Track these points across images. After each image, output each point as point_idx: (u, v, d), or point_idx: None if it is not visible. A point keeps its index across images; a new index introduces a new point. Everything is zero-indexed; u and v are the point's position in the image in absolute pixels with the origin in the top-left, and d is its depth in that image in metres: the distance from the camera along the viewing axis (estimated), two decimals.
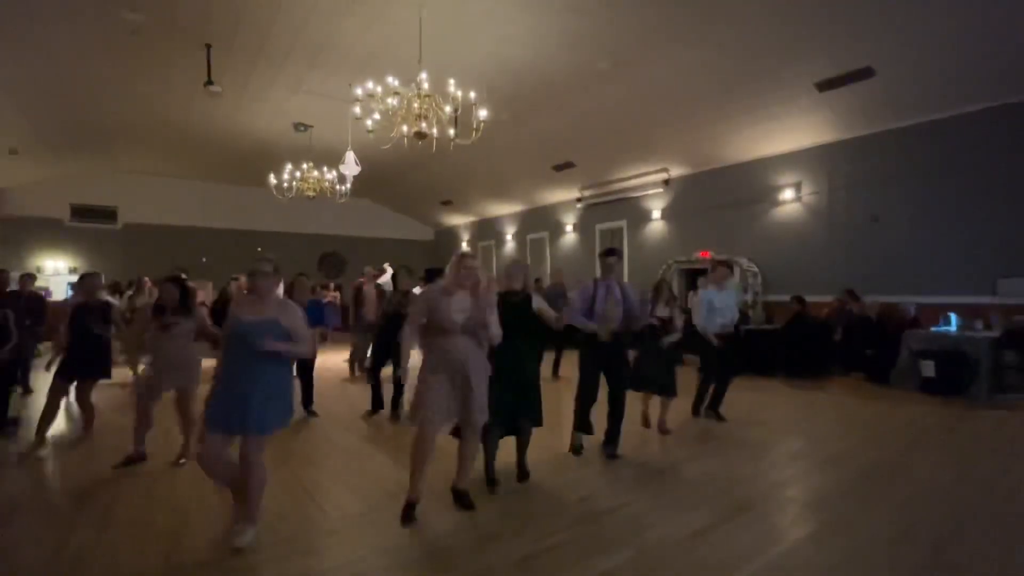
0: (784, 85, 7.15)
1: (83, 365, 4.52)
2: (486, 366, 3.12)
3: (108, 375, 4.76)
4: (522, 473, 3.59)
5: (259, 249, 15.24)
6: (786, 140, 8.52)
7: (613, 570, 2.41)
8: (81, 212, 13.17)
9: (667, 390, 4.60)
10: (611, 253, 4.14)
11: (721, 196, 9.77)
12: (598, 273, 4.50)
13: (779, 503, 3.20)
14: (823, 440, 4.49)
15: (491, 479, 3.42)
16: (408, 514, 2.92)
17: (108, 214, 13.51)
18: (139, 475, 3.68)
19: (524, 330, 3.44)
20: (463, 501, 3.10)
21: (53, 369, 4.59)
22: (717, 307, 4.97)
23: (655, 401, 4.75)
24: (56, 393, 4.46)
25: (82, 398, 4.74)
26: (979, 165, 6.82)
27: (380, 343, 5.60)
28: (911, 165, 7.42)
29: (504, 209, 15.07)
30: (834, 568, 2.42)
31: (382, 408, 5.43)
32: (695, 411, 5.16)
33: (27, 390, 6.39)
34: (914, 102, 7.00)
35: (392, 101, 5.43)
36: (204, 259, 13.95)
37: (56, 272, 12.80)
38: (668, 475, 3.66)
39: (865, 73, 6.56)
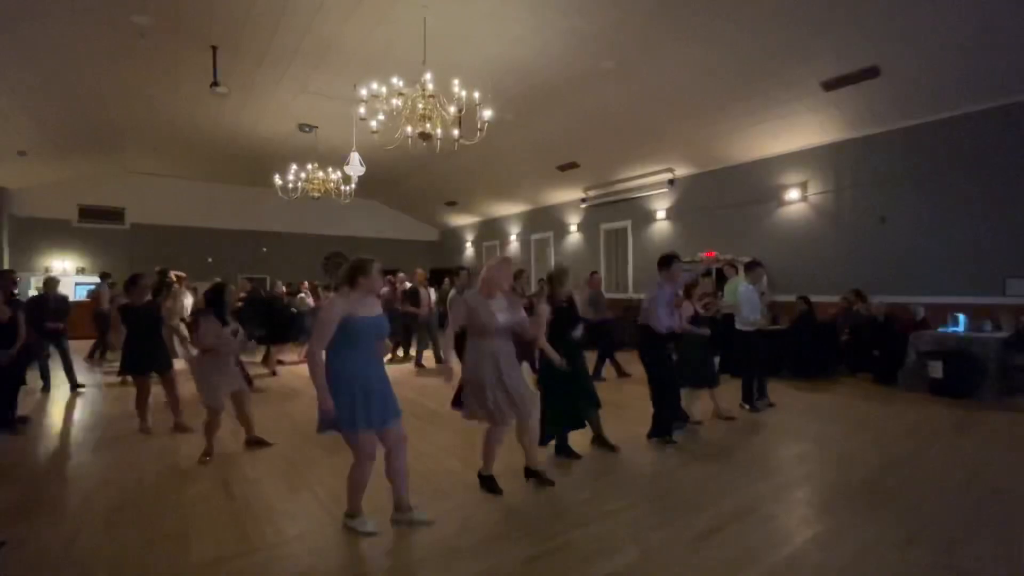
0: (790, 84, 7.11)
1: (143, 361, 4.76)
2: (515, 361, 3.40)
3: (170, 365, 5.00)
4: (608, 445, 4.13)
5: (264, 250, 15.36)
6: (792, 139, 8.48)
7: (617, 572, 2.40)
8: (89, 213, 13.29)
9: (711, 381, 4.98)
10: (677, 258, 4.41)
11: (726, 196, 9.73)
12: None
13: (786, 504, 3.17)
14: (830, 441, 4.46)
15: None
16: (492, 486, 3.31)
17: (116, 215, 13.62)
18: (145, 476, 3.70)
19: (571, 329, 4.00)
20: (540, 479, 3.42)
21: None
22: (756, 304, 5.42)
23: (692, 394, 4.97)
24: (141, 387, 4.78)
25: (168, 389, 4.96)
26: (987, 164, 6.76)
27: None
28: (918, 164, 7.36)
29: (508, 209, 15.07)
30: (842, 570, 2.40)
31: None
32: (750, 403, 5.48)
33: (47, 387, 6.66)
34: (921, 101, 6.95)
35: (396, 102, 5.44)
36: (210, 259, 14.04)
37: (64, 273, 12.90)
38: (672, 477, 3.64)
39: (871, 72, 6.52)
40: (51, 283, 6.73)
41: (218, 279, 4.63)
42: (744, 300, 5.38)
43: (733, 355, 5.85)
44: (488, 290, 3.26)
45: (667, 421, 4.36)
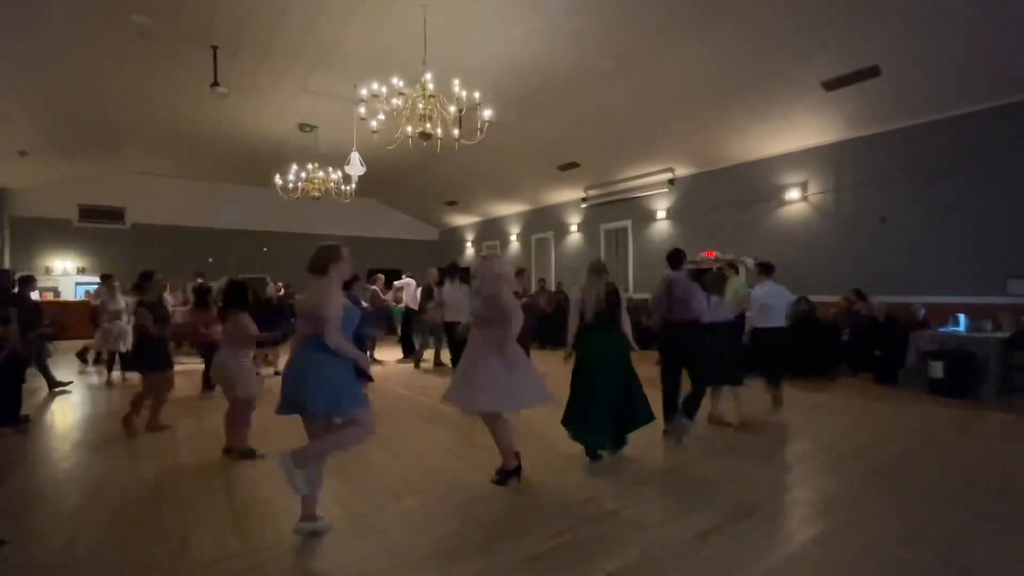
0: (790, 84, 7.11)
1: (145, 359, 4.78)
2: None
3: (171, 364, 5.01)
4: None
5: (264, 249, 15.36)
6: (792, 139, 8.48)
7: (618, 571, 2.40)
8: (89, 213, 13.30)
9: (738, 379, 4.93)
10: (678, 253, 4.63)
11: (727, 196, 9.73)
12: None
13: (786, 504, 3.18)
14: (831, 441, 4.46)
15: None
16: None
17: (116, 214, 13.63)
18: (145, 476, 3.70)
19: (611, 316, 3.83)
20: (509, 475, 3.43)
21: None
22: (771, 305, 5.50)
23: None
24: (149, 384, 4.77)
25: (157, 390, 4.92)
26: (987, 163, 6.76)
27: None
28: (919, 164, 7.36)
29: (509, 209, 15.07)
30: (842, 570, 2.40)
31: None
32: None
33: (55, 386, 6.56)
34: (921, 101, 6.95)
35: (397, 102, 5.44)
36: (211, 259, 14.05)
37: (65, 272, 12.92)
38: (674, 476, 3.65)
39: (872, 72, 6.52)
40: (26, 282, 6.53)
41: (233, 278, 4.74)
42: (784, 300, 5.59)
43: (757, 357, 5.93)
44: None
45: (672, 407, 4.47)
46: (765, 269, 5.71)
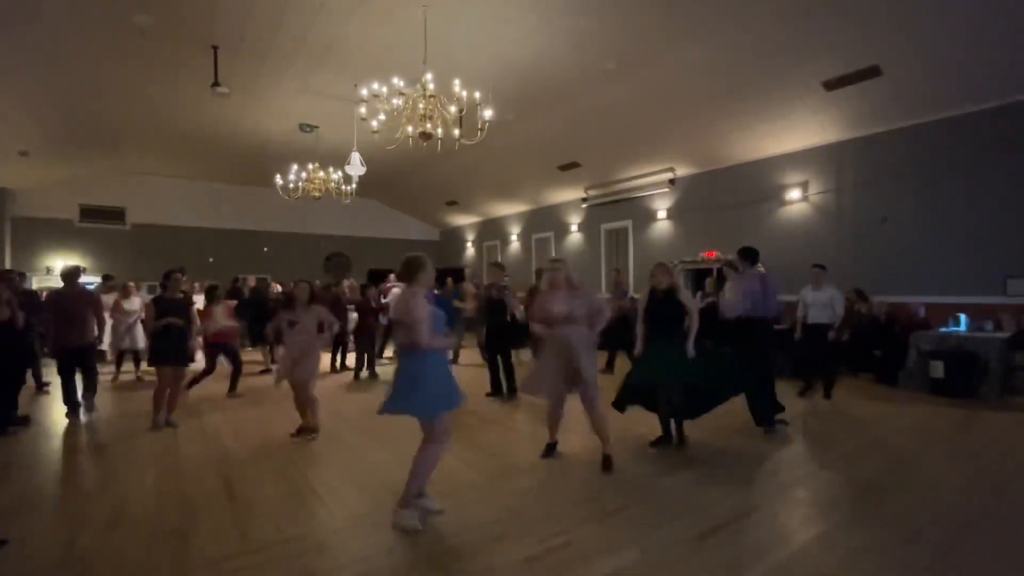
0: (791, 84, 7.10)
1: (166, 354, 4.95)
2: (592, 348, 3.80)
3: (187, 361, 5.25)
4: (680, 439, 4.27)
5: (265, 249, 15.36)
6: (793, 139, 8.47)
7: (618, 571, 2.40)
8: (90, 213, 13.30)
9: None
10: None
11: (727, 195, 9.72)
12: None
13: (787, 504, 3.17)
14: (831, 441, 4.46)
15: (680, 440, 4.25)
16: (549, 452, 3.96)
17: (117, 215, 13.62)
18: (146, 475, 3.71)
19: (671, 318, 4.10)
20: (605, 464, 3.71)
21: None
22: (809, 303, 6.23)
23: None
24: (163, 378, 5.00)
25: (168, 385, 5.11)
26: (989, 163, 6.75)
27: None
28: (919, 164, 7.35)
29: (509, 209, 15.07)
30: (842, 570, 2.40)
31: (502, 392, 6.17)
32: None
33: (41, 387, 6.54)
34: (922, 100, 6.94)
35: (397, 102, 5.44)
36: (211, 259, 14.06)
37: None
38: (674, 476, 3.64)
39: (872, 72, 6.51)
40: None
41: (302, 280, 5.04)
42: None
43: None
44: (552, 284, 3.85)
45: (767, 410, 4.68)
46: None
